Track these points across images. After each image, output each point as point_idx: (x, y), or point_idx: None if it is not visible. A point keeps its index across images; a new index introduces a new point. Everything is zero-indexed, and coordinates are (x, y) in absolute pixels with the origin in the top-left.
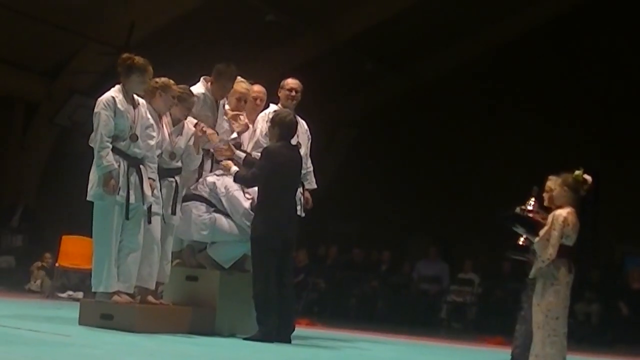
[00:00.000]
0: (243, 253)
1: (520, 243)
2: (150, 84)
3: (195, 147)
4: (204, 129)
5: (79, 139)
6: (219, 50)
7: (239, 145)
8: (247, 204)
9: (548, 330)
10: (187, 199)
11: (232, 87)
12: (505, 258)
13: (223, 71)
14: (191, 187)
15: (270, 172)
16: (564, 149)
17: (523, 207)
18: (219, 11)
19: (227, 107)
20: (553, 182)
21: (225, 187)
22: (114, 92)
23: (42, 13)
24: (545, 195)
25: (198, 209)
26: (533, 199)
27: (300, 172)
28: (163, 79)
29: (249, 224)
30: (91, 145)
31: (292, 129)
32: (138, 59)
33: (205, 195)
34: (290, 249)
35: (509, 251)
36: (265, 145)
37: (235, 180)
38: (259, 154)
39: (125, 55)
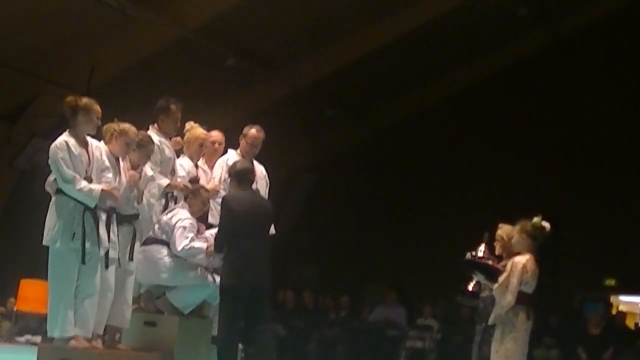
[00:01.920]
0: (203, 299)
1: (470, 289)
2: (109, 127)
3: (139, 195)
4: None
5: (38, 183)
6: (180, 95)
7: (196, 180)
8: (185, 242)
9: None
10: (147, 242)
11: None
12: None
13: (166, 105)
14: (150, 232)
15: (229, 220)
16: (524, 196)
17: (474, 253)
18: (179, 56)
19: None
20: (503, 231)
21: (171, 222)
22: (65, 137)
23: (1, 56)
24: (497, 244)
25: (159, 252)
26: (484, 245)
27: (266, 217)
28: (124, 125)
29: (188, 259)
30: (47, 189)
31: (247, 174)
32: (82, 100)
33: (165, 237)
34: (261, 295)
35: (458, 297)
36: (223, 193)
37: (215, 250)
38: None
39: (69, 97)
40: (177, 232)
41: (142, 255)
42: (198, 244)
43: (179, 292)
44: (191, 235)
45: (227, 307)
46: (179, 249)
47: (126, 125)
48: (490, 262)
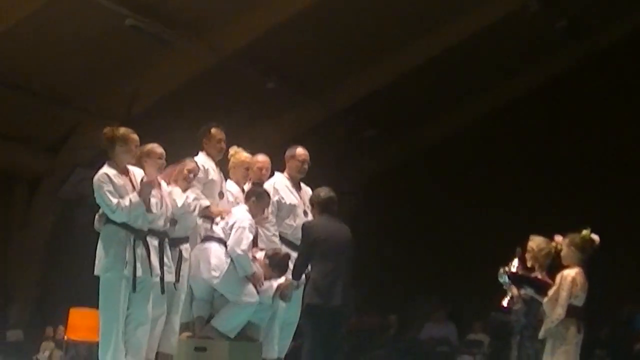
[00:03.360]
0: (247, 320)
1: (504, 304)
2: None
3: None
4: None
5: (83, 212)
6: (221, 119)
7: None
8: (246, 243)
9: None
10: (205, 240)
11: (222, 143)
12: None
13: (206, 129)
14: (208, 230)
15: (310, 246)
16: (569, 207)
17: (507, 268)
18: (218, 81)
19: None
20: (534, 242)
21: (229, 222)
22: (105, 169)
23: (42, 88)
24: (527, 256)
25: (216, 250)
26: (516, 260)
27: (347, 242)
28: (147, 145)
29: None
30: (97, 228)
31: (331, 204)
32: (119, 130)
33: (223, 236)
34: (340, 318)
35: (492, 312)
36: (271, 217)
37: (293, 277)
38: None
39: (106, 129)
40: (237, 232)
41: (197, 251)
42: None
43: (223, 317)
44: (251, 237)
45: (312, 327)
46: (238, 251)
47: (149, 146)
48: (539, 276)
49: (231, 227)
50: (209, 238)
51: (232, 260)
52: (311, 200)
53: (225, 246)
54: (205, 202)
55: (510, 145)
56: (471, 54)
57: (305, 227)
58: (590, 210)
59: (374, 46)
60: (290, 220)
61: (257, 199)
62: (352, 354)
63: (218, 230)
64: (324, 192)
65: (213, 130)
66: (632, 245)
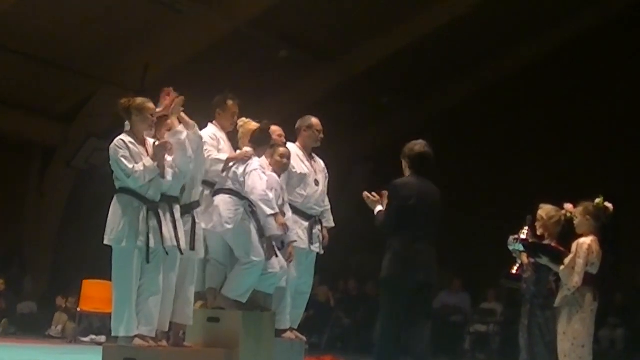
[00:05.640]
0: (256, 283)
1: (514, 272)
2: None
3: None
4: None
5: (96, 182)
6: (234, 88)
7: None
8: (263, 185)
9: (574, 359)
10: (217, 193)
11: (236, 116)
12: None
13: (222, 100)
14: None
15: (398, 208)
16: (585, 176)
17: (516, 236)
18: (232, 49)
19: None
20: (543, 211)
21: (238, 171)
22: (123, 136)
23: (56, 57)
24: (537, 224)
25: (227, 203)
26: (526, 228)
27: (437, 206)
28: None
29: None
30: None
31: (424, 158)
32: (135, 100)
33: (233, 187)
34: (426, 290)
35: (502, 280)
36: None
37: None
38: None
39: (123, 99)
40: (250, 177)
41: (209, 207)
42: (272, 196)
43: (231, 283)
44: (264, 176)
45: (389, 302)
46: (257, 192)
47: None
48: (553, 244)
49: (243, 175)
50: (218, 191)
51: (244, 211)
52: (403, 153)
53: (237, 196)
54: (224, 155)
55: (528, 109)
56: (488, 17)
57: (394, 186)
58: (602, 177)
59: (387, 12)
60: (301, 189)
61: (258, 137)
62: (364, 321)
63: (227, 182)
64: (419, 145)
65: (229, 102)
66: None
